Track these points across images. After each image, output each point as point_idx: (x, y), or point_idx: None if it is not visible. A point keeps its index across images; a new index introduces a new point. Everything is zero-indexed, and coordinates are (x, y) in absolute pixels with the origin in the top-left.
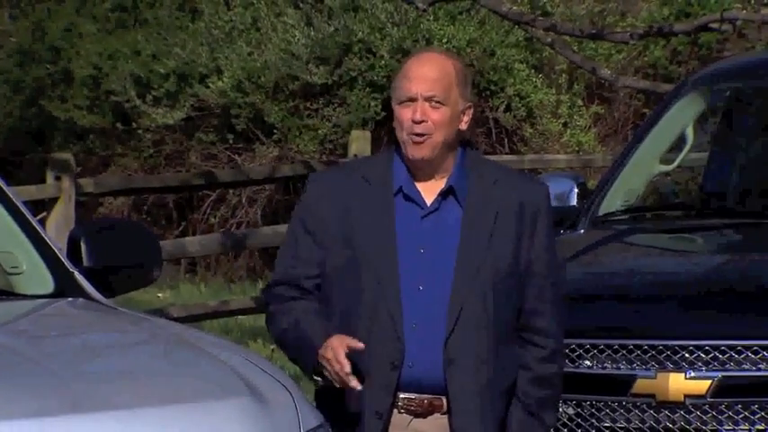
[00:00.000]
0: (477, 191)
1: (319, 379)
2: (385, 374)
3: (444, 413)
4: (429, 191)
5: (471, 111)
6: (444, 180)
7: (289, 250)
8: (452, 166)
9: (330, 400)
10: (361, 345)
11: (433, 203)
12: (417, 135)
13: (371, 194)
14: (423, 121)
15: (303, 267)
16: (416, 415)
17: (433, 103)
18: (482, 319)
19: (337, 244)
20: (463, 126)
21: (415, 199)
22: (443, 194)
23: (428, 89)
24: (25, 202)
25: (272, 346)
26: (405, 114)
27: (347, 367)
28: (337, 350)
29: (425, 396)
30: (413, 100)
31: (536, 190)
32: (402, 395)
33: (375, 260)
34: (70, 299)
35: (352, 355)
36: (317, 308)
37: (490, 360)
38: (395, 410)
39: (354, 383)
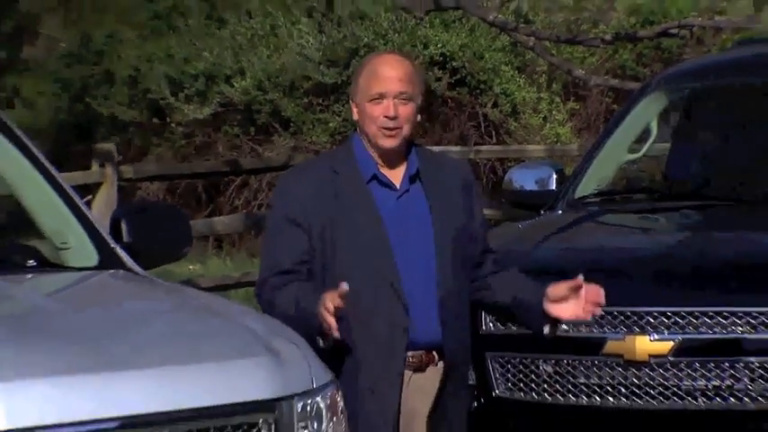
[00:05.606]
0: (429, 172)
1: (321, 339)
2: (398, 338)
3: (435, 364)
4: (395, 176)
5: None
6: (404, 165)
7: (272, 246)
8: (408, 153)
9: (339, 364)
10: (345, 287)
11: (402, 185)
12: (389, 129)
13: (346, 183)
14: (395, 117)
15: (290, 254)
16: (415, 370)
17: (402, 100)
18: (459, 281)
19: (321, 230)
20: (418, 118)
21: (388, 183)
22: (411, 178)
23: (399, 88)
24: (73, 187)
25: None
26: (376, 110)
27: (331, 307)
28: (327, 299)
29: (422, 352)
30: (383, 97)
31: (465, 166)
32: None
33: (369, 239)
34: (112, 271)
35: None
36: (312, 285)
37: (465, 313)
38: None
39: (336, 334)
